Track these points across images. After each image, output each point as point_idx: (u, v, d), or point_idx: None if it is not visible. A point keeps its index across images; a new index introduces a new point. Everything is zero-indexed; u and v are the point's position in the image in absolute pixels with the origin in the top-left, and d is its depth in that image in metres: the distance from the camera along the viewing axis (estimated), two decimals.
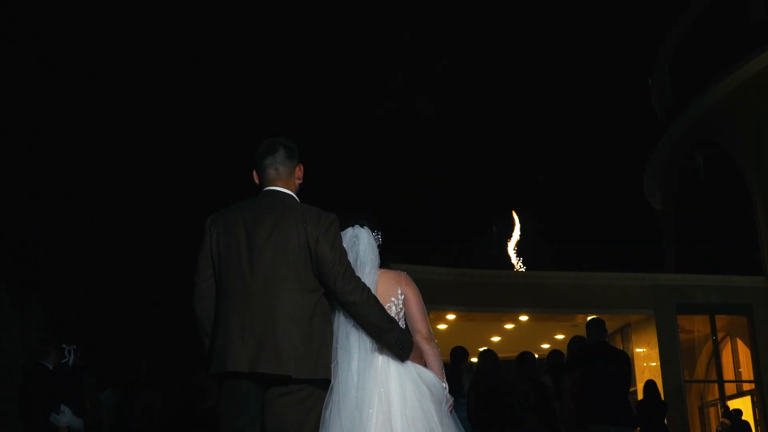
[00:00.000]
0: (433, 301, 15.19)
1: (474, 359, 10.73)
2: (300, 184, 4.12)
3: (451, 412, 3.99)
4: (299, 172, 4.10)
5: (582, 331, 8.81)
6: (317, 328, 3.74)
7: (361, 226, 4.23)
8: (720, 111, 19.34)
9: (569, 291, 16.81)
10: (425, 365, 4.02)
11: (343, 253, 3.86)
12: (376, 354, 3.90)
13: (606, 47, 29.53)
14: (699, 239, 20.21)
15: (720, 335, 18.16)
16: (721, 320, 17.93)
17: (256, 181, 4.08)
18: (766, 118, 17.85)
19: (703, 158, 20.56)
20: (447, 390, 4.01)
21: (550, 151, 30.95)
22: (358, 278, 3.83)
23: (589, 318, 8.63)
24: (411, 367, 3.92)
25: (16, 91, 14.73)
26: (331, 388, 3.73)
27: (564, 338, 16.84)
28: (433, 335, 4.18)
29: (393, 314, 4.01)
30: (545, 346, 18.35)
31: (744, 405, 16.94)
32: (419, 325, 4.11)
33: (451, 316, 16.77)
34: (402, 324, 4.05)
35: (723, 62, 18.92)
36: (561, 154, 30.91)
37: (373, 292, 3.87)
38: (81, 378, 9.03)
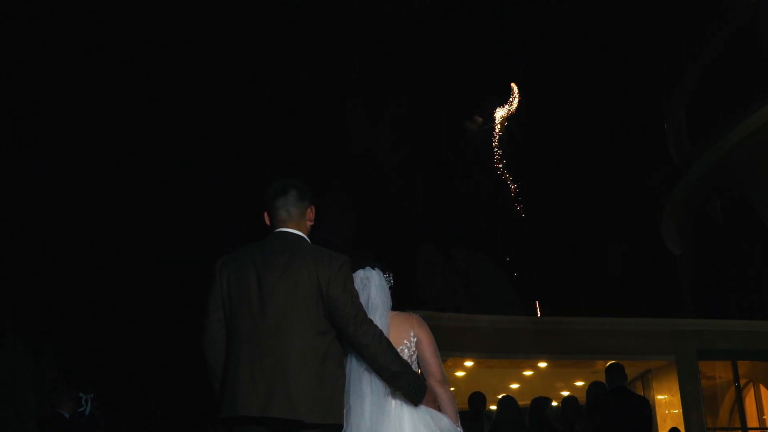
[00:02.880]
0: (450, 347, 15.07)
1: (493, 407, 10.58)
2: (312, 226, 4.07)
3: None
4: (311, 213, 4.07)
5: (602, 378, 8.66)
6: (329, 371, 3.66)
7: (372, 267, 4.17)
8: (737, 155, 19.24)
9: (588, 337, 16.60)
10: (439, 409, 3.93)
11: (355, 295, 3.79)
12: (389, 398, 3.83)
13: (621, 90, 29.58)
14: (718, 284, 19.99)
15: (743, 381, 17.85)
16: (743, 366, 17.63)
17: (267, 222, 4.04)
18: None
19: (722, 203, 20.41)
20: None
21: (568, 196, 30.82)
22: (371, 321, 3.76)
23: (608, 363, 8.48)
24: (424, 412, 3.84)
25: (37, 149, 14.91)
26: None
27: (583, 385, 16.58)
28: (447, 378, 4.10)
29: (406, 357, 3.94)
30: (565, 393, 18.07)
31: None
32: (432, 368, 4.03)
33: (469, 363, 16.57)
34: (415, 367, 3.97)
35: (739, 105, 18.88)
36: (579, 198, 30.76)
37: (385, 334, 3.79)
38: (98, 427, 8.94)
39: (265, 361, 3.62)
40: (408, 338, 4.04)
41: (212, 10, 20.86)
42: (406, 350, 4.00)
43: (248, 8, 21.90)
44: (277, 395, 3.55)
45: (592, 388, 8.66)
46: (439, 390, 3.98)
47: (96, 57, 17.08)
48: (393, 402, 3.83)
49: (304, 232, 4.02)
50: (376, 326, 3.76)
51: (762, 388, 17.93)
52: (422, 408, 3.83)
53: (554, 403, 10.27)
